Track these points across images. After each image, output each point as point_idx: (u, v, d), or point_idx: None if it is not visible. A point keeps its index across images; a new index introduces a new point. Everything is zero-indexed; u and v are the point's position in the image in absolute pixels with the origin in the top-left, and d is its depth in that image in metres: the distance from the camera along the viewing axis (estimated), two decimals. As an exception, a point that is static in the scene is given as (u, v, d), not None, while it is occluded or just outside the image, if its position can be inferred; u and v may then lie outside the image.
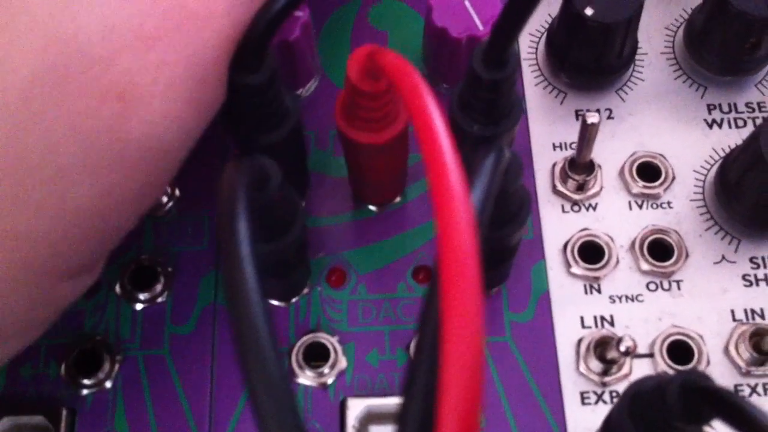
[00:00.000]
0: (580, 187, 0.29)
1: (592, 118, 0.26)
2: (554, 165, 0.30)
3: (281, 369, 0.14)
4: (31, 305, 0.20)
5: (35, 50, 0.18)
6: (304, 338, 0.27)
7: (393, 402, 0.26)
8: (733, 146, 0.30)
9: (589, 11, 0.28)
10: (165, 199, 0.29)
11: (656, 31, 0.32)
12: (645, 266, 0.28)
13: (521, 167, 0.21)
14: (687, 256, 0.28)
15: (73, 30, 0.18)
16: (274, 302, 0.28)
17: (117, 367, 0.27)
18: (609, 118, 0.30)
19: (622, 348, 0.24)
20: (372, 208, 0.29)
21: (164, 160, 0.21)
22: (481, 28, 0.27)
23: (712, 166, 0.30)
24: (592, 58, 0.29)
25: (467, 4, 0.28)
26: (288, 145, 0.25)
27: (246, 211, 0.16)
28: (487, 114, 0.24)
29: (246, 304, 0.14)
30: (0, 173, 0.18)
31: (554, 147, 0.30)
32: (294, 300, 0.28)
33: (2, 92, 0.18)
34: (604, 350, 0.26)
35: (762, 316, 0.28)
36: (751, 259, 0.28)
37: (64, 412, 0.26)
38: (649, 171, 0.30)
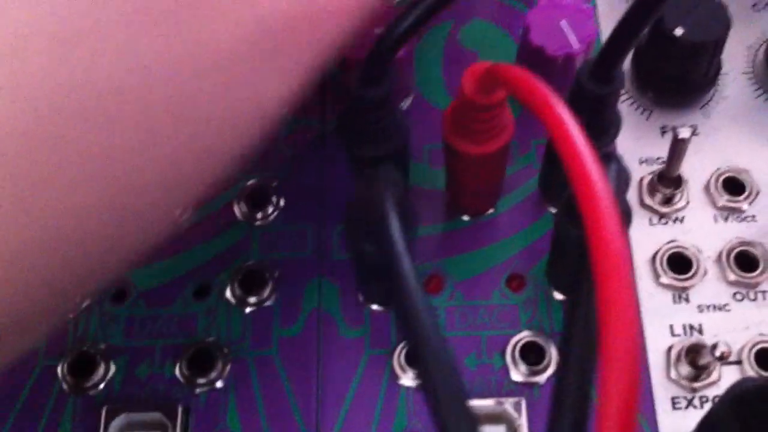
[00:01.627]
0: (667, 201, 0.30)
1: (683, 133, 0.27)
2: (641, 179, 0.31)
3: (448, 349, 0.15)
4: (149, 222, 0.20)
5: None
6: (405, 341, 0.28)
7: (490, 404, 0.27)
8: (815, 162, 0.31)
9: (679, 31, 0.29)
10: (270, 209, 0.30)
11: (737, 51, 0.33)
12: (732, 277, 0.29)
13: (630, 179, 0.23)
14: (773, 267, 0.29)
15: None
16: (376, 307, 0.29)
17: (228, 367, 0.28)
18: (694, 134, 0.32)
19: (717, 353, 0.25)
20: (466, 218, 0.31)
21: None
22: (577, 46, 0.29)
23: (795, 181, 0.31)
24: (679, 77, 0.31)
25: (563, 23, 0.29)
26: (397, 156, 0.26)
27: (396, 214, 0.18)
28: (588, 129, 0.25)
29: (412, 299, 0.16)
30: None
31: (640, 162, 0.31)
32: (395, 305, 0.29)
33: None
34: (696, 357, 0.27)
35: None
36: (834, 271, 0.29)
37: (180, 409, 0.27)
38: (733, 186, 0.31)
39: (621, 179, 0.20)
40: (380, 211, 0.18)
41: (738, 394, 0.22)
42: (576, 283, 0.19)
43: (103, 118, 0.17)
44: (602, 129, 0.26)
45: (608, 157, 0.21)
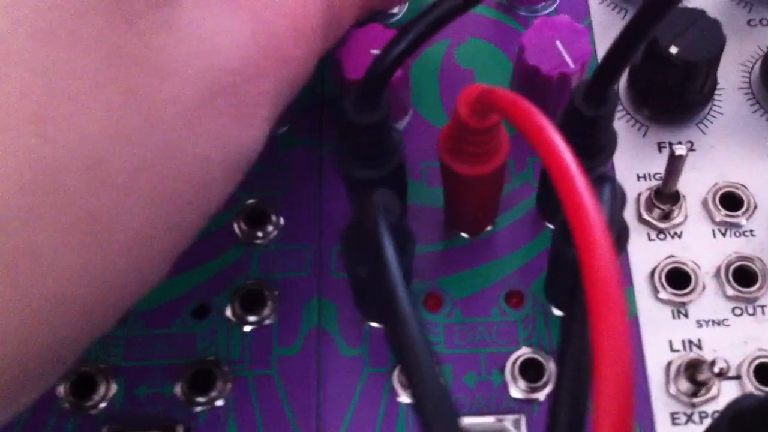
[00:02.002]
0: (666, 216, 0.30)
1: (680, 150, 0.27)
2: (639, 195, 0.31)
3: (438, 370, 0.16)
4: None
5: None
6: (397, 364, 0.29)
7: (489, 421, 0.28)
8: (812, 177, 0.31)
9: (673, 50, 0.29)
10: (270, 228, 0.31)
11: (732, 67, 0.33)
12: (730, 292, 0.29)
13: (626, 199, 0.23)
14: (771, 282, 0.30)
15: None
16: (376, 325, 0.29)
17: (228, 386, 0.29)
18: (691, 150, 0.32)
19: (716, 369, 0.25)
20: (464, 236, 0.31)
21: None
22: (571, 66, 0.29)
23: (793, 196, 0.31)
24: (675, 94, 0.31)
25: (558, 43, 0.29)
26: (395, 177, 0.26)
27: (390, 238, 0.18)
28: (584, 148, 0.25)
29: (405, 323, 0.16)
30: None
31: (638, 178, 0.32)
32: (394, 323, 0.29)
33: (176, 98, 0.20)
34: (695, 372, 0.28)
35: None
36: (832, 286, 0.30)
37: (181, 429, 0.28)
38: (731, 201, 0.31)
39: (616, 200, 0.20)
40: (374, 237, 0.18)
41: (737, 410, 0.23)
42: (571, 301, 0.20)
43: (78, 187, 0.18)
44: (598, 148, 0.26)
45: (602, 179, 0.21)
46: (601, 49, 0.33)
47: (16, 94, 0.16)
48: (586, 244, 0.15)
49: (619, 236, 0.25)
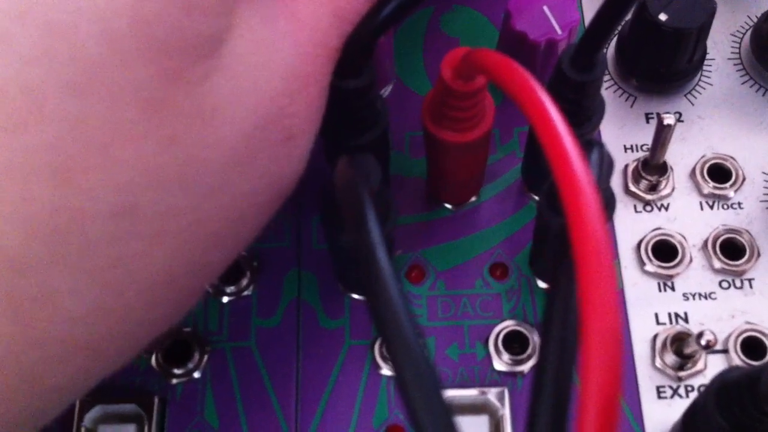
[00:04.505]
0: (653, 188, 0.30)
1: (668, 119, 0.27)
2: (626, 166, 0.30)
3: (421, 339, 0.15)
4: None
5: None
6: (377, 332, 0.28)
7: (472, 393, 0.27)
8: (801, 149, 0.30)
9: (663, 17, 0.28)
10: (250, 197, 0.30)
11: (722, 38, 0.33)
12: (717, 265, 0.29)
13: (613, 165, 0.22)
14: (758, 255, 0.29)
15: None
16: (357, 296, 0.29)
17: (206, 358, 0.28)
18: (679, 121, 0.31)
19: (703, 342, 0.25)
20: (449, 207, 0.30)
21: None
22: (559, 32, 0.28)
23: (781, 169, 0.30)
24: (664, 63, 0.30)
25: (546, 9, 0.28)
26: (377, 145, 0.26)
27: (371, 201, 0.17)
28: (571, 116, 0.25)
29: (384, 289, 0.15)
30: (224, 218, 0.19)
31: (625, 149, 0.31)
32: (376, 295, 0.29)
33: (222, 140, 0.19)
34: (681, 345, 0.27)
35: (833, 314, 0.28)
36: (821, 259, 0.29)
37: (156, 401, 0.27)
38: (719, 173, 0.30)
39: (603, 165, 0.20)
40: (354, 200, 0.17)
41: (724, 383, 0.22)
42: (557, 268, 0.19)
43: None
44: (585, 116, 0.25)
45: (590, 144, 0.20)
46: (589, 15, 0.32)
47: (44, 145, 0.15)
48: (574, 203, 0.15)
49: (607, 204, 0.24)
